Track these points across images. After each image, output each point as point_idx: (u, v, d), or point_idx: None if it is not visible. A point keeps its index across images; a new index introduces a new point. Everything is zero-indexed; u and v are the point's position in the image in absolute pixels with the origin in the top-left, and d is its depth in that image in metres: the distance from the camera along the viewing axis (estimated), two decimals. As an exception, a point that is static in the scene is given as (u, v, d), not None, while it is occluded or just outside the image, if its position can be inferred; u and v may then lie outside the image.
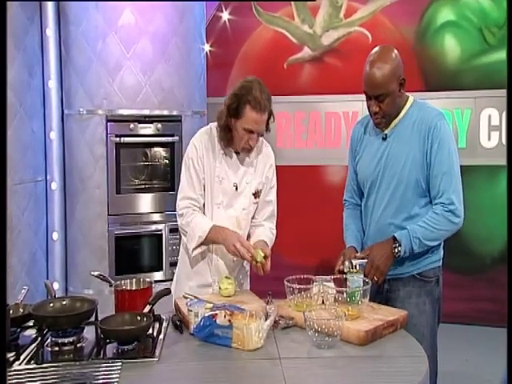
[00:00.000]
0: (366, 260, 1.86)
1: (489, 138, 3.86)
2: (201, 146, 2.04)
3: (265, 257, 1.93)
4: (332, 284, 1.79)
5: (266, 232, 2.12)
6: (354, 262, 1.83)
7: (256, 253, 1.91)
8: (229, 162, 2.06)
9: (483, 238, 3.84)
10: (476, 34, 3.81)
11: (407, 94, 1.96)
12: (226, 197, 2.05)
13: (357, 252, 1.94)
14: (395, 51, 1.91)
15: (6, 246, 2.57)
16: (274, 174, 2.16)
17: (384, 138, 1.95)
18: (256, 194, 2.09)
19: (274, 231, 2.18)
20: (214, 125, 2.09)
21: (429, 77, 3.90)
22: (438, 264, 1.99)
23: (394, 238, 1.87)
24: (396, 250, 1.86)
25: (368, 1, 3.96)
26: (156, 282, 2.84)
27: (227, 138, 2.01)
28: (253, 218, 2.14)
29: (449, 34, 3.87)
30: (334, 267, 1.91)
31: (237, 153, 2.07)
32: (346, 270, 1.82)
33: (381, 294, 1.98)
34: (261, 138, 2.11)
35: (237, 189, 2.05)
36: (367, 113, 1.99)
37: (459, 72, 3.87)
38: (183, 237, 2.08)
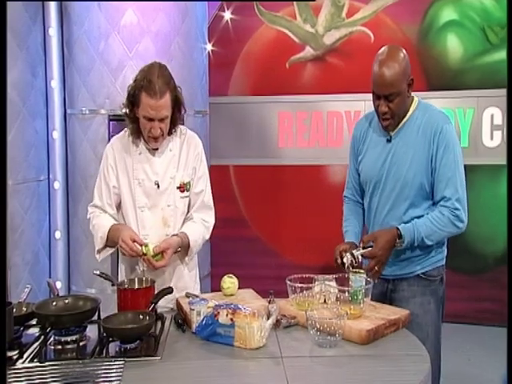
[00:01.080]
0: (366, 250, 1.85)
1: (491, 138, 3.85)
2: (112, 153, 1.97)
3: (159, 252, 1.85)
4: (334, 283, 1.79)
5: (194, 225, 1.99)
6: (356, 253, 1.83)
7: (146, 249, 1.85)
8: (147, 162, 1.96)
9: (486, 237, 3.83)
10: (478, 34, 3.81)
11: (412, 94, 1.94)
12: (149, 198, 1.96)
13: (356, 247, 1.91)
14: (404, 51, 1.89)
15: (6, 246, 2.59)
16: (201, 163, 2.03)
17: (389, 140, 1.94)
18: (182, 188, 1.98)
19: (209, 223, 2.04)
20: (127, 130, 2.00)
21: (431, 76, 3.89)
22: (442, 263, 1.99)
23: (398, 230, 1.86)
24: (398, 245, 1.86)
25: (370, 0, 3.96)
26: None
27: (134, 129, 1.93)
28: (187, 212, 2.05)
29: (451, 33, 3.86)
30: (336, 267, 1.90)
31: (156, 149, 1.96)
32: (347, 263, 1.81)
33: (385, 294, 1.98)
34: (184, 129, 2.03)
35: (159, 187, 1.95)
36: (369, 111, 1.98)
37: (462, 71, 3.87)
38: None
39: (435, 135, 1.86)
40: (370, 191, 2.00)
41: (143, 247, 1.86)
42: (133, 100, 1.88)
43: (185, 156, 2.01)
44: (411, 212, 1.91)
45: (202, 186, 2.03)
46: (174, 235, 1.95)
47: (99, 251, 1.99)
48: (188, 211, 2.04)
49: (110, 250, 2.00)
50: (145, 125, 1.88)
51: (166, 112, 1.86)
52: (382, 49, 1.89)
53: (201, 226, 2.02)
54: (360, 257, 1.82)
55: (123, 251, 1.88)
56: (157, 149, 1.97)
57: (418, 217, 1.90)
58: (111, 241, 1.94)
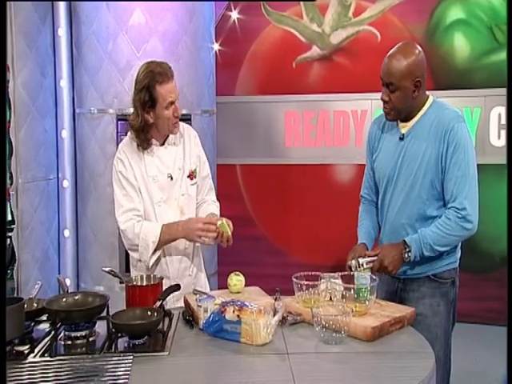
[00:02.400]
0: (373, 258, 1.87)
1: (498, 137, 3.84)
2: (126, 157, 2.02)
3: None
4: (339, 281, 1.80)
5: (212, 206, 2.13)
6: (361, 260, 1.84)
7: (222, 226, 1.92)
8: (157, 157, 2.04)
9: (493, 237, 3.82)
10: (486, 32, 3.80)
11: (428, 92, 1.94)
12: (164, 192, 2.03)
13: (367, 249, 1.95)
14: (419, 49, 1.90)
15: (6, 246, 2.63)
16: (201, 149, 2.15)
17: (401, 138, 1.94)
18: (191, 175, 2.08)
19: (217, 203, 2.18)
20: (130, 134, 2.07)
21: (438, 75, 3.89)
22: (454, 266, 1.96)
23: (405, 242, 1.86)
24: (406, 255, 1.85)
25: (377, -1, 3.96)
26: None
27: (145, 139, 2.00)
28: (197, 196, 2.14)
29: (458, 32, 3.86)
30: (343, 266, 1.91)
31: (162, 145, 2.05)
32: (353, 269, 1.84)
33: (394, 293, 1.98)
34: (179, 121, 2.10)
35: (172, 179, 2.04)
36: (378, 112, 2.00)
37: (469, 70, 3.86)
38: (133, 253, 2.02)
39: (446, 133, 1.85)
40: (383, 189, 2.00)
41: (219, 224, 1.92)
42: (150, 103, 1.94)
43: (188, 146, 2.10)
44: (422, 211, 1.89)
45: (208, 170, 2.17)
46: (210, 213, 2.05)
47: (151, 257, 1.99)
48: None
49: (158, 253, 2.01)
50: (168, 114, 1.96)
51: (177, 89, 2.00)
52: (400, 43, 1.93)
53: (215, 208, 2.15)
54: (365, 264, 1.83)
55: (203, 236, 1.93)
56: (163, 144, 2.06)
57: (429, 217, 1.89)
58: (163, 242, 1.98)
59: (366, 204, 2.13)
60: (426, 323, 1.82)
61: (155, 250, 1.99)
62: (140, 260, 2.02)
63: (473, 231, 1.86)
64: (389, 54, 1.89)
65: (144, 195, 2.03)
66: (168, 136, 2.06)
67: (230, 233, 1.94)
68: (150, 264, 2.00)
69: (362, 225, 2.08)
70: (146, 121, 1.96)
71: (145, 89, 1.93)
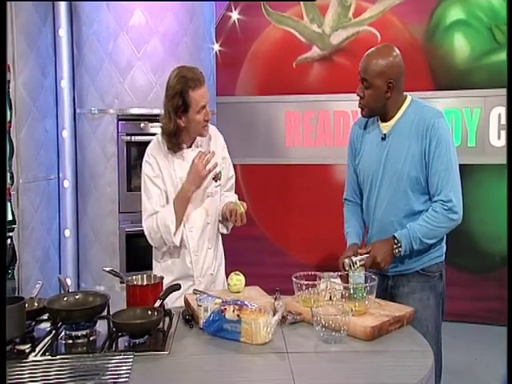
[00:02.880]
0: (365, 256, 1.89)
1: (498, 137, 3.84)
2: (154, 160, 2.06)
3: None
4: (339, 280, 1.81)
5: (231, 197, 2.20)
6: (354, 259, 1.86)
7: (236, 204, 2.02)
8: (185, 159, 2.08)
9: (493, 236, 3.82)
10: (486, 33, 3.80)
11: (406, 93, 2.00)
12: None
13: (359, 248, 1.97)
14: (397, 53, 1.95)
15: (7, 246, 2.64)
16: (226, 151, 2.23)
17: (383, 138, 1.99)
18: (216, 177, 2.11)
19: (236, 196, 2.25)
20: (158, 136, 2.11)
21: (438, 76, 3.90)
22: (441, 259, 2.02)
23: (394, 237, 1.91)
24: (396, 250, 1.90)
25: (377, 0, 3.96)
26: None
27: (177, 142, 2.05)
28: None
29: (458, 32, 3.86)
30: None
31: (189, 147, 2.10)
32: (346, 268, 1.85)
33: (385, 290, 2.01)
34: None
35: None
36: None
37: (469, 71, 3.86)
38: (164, 248, 2.09)
39: (427, 130, 1.90)
40: (367, 189, 2.04)
41: (235, 203, 2.03)
42: (183, 108, 1.98)
43: (214, 148, 2.13)
44: (409, 207, 1.95)
45: (232, 172, 2.26)
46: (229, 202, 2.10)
47: (175, 234, 2.03)
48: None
49: (181, 229, 2.04)
50: (199, 118, 2.01)
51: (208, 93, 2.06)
52: (382, 44, 2.02)
53: (233, 196, 2.22)
54: (358, 262, 1.85)
55: (205, 170, 1.98)
56: (190, 146, 2.09)
57: (416, 212, 1.94)
58: (180, 213, 2.02)
59: (351, 205, 2.16)
60: (416, 317, 1.84)
61: (178, 227, 2.02)
62: (166, 244, 2.05)
63: (458, 221, 1.92)
64: (368, 52, 1.97)
65: (172, 197, 2.06)
66: (195, 138, 2.10)
67: (243, 210, 2.00)
68: (177, 242, 2.03)
69: (350, 226, 2.11)
70: (179, 125, 2.01)
71: (178, 94, 1.97)
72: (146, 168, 2.08)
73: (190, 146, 2.10)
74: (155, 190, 2.06)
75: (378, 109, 1.97)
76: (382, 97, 1.94)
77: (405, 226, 1.92)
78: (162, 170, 2.07)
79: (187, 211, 2.06)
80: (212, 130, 2.18)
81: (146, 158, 2.10)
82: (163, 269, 2.12)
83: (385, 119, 2.00)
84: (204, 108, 2.00)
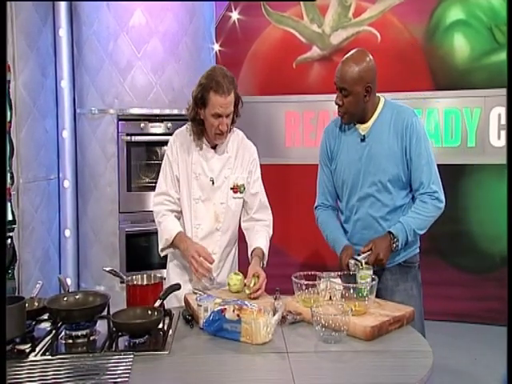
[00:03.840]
0: (367, 254, 1.91)
1: (498, 137, 3.84)
2: (176, 145, 2.11)
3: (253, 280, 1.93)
4: (339, 280, 1.81)
5: (261, 234, 2.13)
6: (360, 258, 1.88)
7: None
8: (205, 158, 2.09)
9: (493, 236, 3.82)
10: (486, 33, 3.80)
11: (378, 94, 2.05)
12: (204, 192, 2.09)
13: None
14: (370, 57, 2.00)
15: (7, 246, 2.64)
16: (257, 168, 2.19)
17: (362, 140, 2.04)
18: (236, 189, 2.11)
19: (269, 221, 2.19)
20: (188, 123, 2.13)
21: (438, 76, 3.89)
22: (418, 250, 2.13)
23: (390, 233, 1.96)
24: (394, 245, 1.96)
25: (377, 0, 3.96)
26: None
27: (198, 130, 2.06)
28: (245, 213, 2.17)
29: (458, 32, 3.86)
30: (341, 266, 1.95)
31: (214, 148, 2.10)
32: (352, 269, 1.86)
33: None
34: (241, 133, 2.17)
35: (213, 183, 2.09)
36: (336, 116, 2.09)
37: (469, 71, 3.86)
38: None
39: (406, 128, 1.99)
40: (348, 190, 2.08)
41: (252, 279, 1.91)
42: (200, 102, 1.99)
43: (240, 159, 2.14)
44: (392, 203, 2.02)
45: (258, 188, 2.17)
46: (252, 257, 2.06)
47: (163, 250, 2.09)
48: (242, 212, 2.16)
49: (172, 250, 2.10)
50: (213, 122, 2.00)
51: (231, 108, 2.02)
52: (353, 50, 2.03)
53: (264, 232, 2.15)
54: (363, 261, 1.87)
55: (192, 264, 1.96)
56: (215, 148, 2.10)
57: (398, 207, 2.02)
58: (175, 245, 2.06)
59: (325, 210, 2.18)
60: None
61: (168, 247, 2.07)
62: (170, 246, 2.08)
63: (443, 209, 2.03)
64: (342, 60, 2.00)
65: (183, 189, 2.09)
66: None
67: (251, 290, 1.89)
68: (162, 254, 2.11)
69: (333, 229, 2.12)
70: (198, 114, 2.03)
71: (201, 87, 2.00)
72: (168, 148, 2.13)
73: (214, 148, 2.10)
74: (169, 171, 2.10)
75: (358, 113, 2.02)
76: (361, 101, 1.99)
77: (389, 221, 2.01)
78: (179, 157, 2.09)
79: (197, 209, 2.08)
80: (246, 143, 2.17)
81: (171, 140, 2.14)
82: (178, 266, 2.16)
83: (363, 121, 2.05)
84: (220, 117, 1.98)
